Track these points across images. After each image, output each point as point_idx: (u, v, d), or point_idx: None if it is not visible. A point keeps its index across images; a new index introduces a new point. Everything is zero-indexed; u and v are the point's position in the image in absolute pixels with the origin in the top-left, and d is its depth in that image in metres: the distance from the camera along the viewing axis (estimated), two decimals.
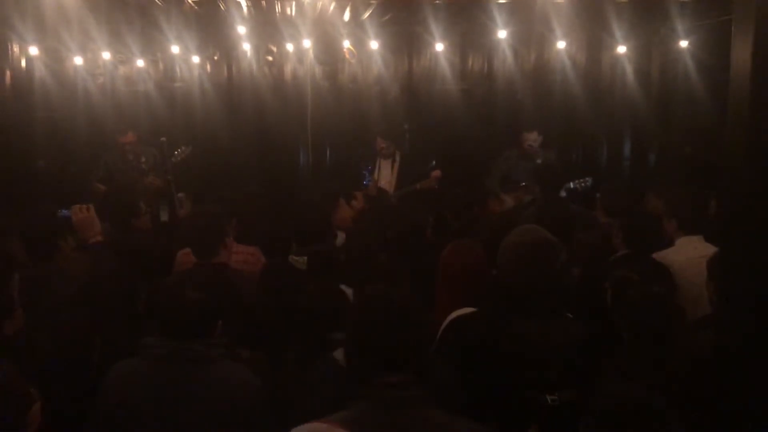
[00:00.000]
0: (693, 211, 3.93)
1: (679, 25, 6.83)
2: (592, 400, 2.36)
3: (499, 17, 6.93)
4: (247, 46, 7.66)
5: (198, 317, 2.41)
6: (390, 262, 2.83)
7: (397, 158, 6.74)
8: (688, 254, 3.69)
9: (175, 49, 7.45)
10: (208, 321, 2.45)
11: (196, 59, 7.69)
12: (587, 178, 5.52)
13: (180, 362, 2.33)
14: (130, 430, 2.34)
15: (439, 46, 7.50)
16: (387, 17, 7.25)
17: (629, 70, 7.44)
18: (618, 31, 7.05)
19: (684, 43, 7.00)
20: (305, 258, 3.46)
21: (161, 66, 7.88)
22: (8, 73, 7.33)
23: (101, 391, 2.40)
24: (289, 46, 7.60)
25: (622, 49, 7.32)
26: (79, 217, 3.39)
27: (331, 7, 6.96)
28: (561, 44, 7.37)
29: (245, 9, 7.01)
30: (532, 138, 6.55)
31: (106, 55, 7.50)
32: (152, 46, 7.55)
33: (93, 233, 3.40)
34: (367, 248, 3.36)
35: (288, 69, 7.91)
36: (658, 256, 3.86)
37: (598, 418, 2.04)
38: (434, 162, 7.20)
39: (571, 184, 5.73)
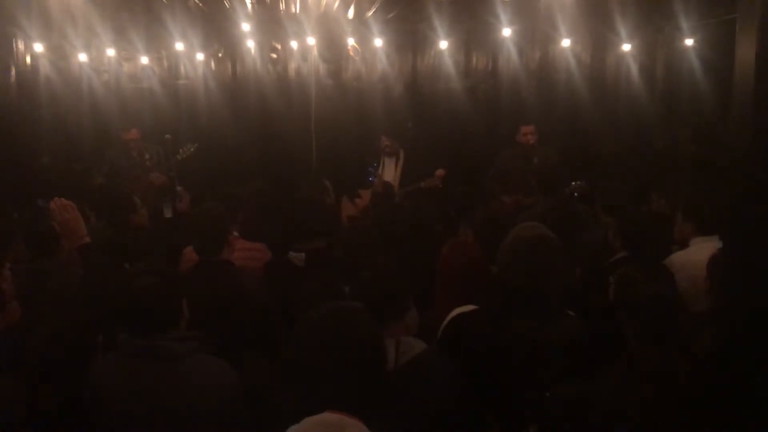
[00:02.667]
0: (712, 212, 3.89)
1: (684, 24, 6.79)
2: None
3: (503, 15, 6.92)
4: (251, 44, 7.67)
5: (152, 306, 2.34)
6: (387, 260, 2.82)
7: (401, 156, 6.74)
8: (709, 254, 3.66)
9: (179, 46, 7.47)
10: (167, 309, 2.39)
11: (200, 56, 7.71)
12: (579, 182, 5.50)
13: (149, 360, 2.30)
14: (111, 427, 2.34)
15: (444, 44, 7.49)
16: (391, 15, 7.26)
17: (634, 68, 7.41)
18: (623, 29, 7.03)
19: (689, 42, 6.97)
20: (303, 255, 3.46)
21: (166, 63, 7.89)
22: (13, 69, 7.33)
23: (85, 389, 2.40)
24: (294, 44, 7.60)
25: (626, 47, 7.30)
26: (64, 218, 3.04)
27: (335, 5, 6.96)
28: (566, 42, 7.35)
29: (249, 6, 7.02)
30: (529, 131, 6.54)
31: (111, 52, 7.53)
32: (157, 43, 7.57)
33: (79, 235, 3.05)
34: (363, 246, 3.35)
35: (292, 66, 7.91)
36: (676, 257, 3.83)
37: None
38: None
39: (566, 190, 5.69)
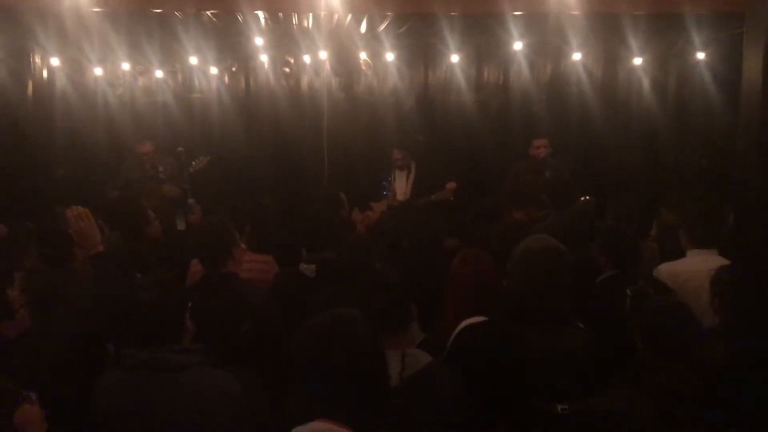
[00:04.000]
0: (705, 225, 3.91)
1: (696, 38, 6.79)
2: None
3: (514, 29, 6.93)
4: (264, 58, 7.75)
5: (154, 319, 2.36)
6: (385, 270, 2.84)
7: (413, 169, 6.76)
8: (697, 266, 3.67)
9: (193, 60, 7.55)
10: (169, 322, 2.40)
11: (214, 70, 7.79)
12: (587, 197, 5.51)
13: (150, 372, 2.30)
14: None
15: (455, 58, 7.53)
16: (403, 29, 7.29)
17: (645, 82, 7.42)
18: (634, 43, 7.04)
19: (701, 56, 6.97)
20: (314, 266, 3.49)
21: (180, 77, 7.98)
22: (30, 83, 7.45)
23: (91, 403, 2.40)
24: (306, 58, 7.66)
25: (638, 61, 7.30)
26: (79, 227, 3.06)
27: (348, 20, 7.01)
28: (577, 56, 7.37)
29: (263, 21, 7.09)
30: (541, 144, 6.56)
31: (126, 66, 7.62)
32: (171, 57, 7.66)
33: (93, 243, 3.08)
34: (361, 257, 3.37)
35: (305, 80, 7.98)
36: (667, 266, 3.83)
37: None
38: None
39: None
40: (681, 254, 4.13)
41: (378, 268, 3.20)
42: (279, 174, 7.73)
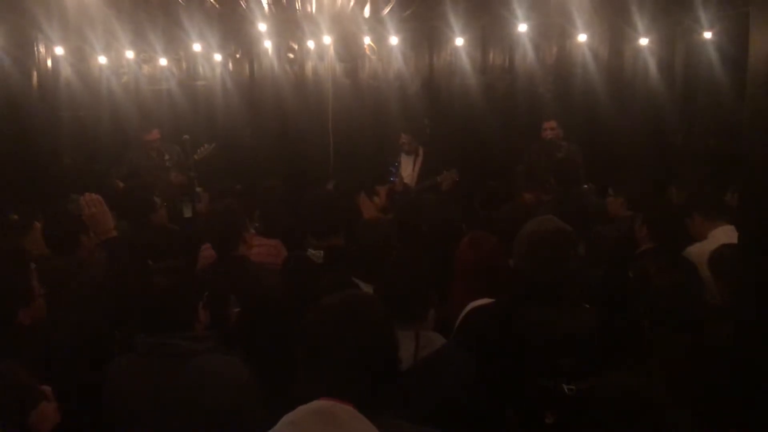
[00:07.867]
0: (714, 202, 3.92)
1: (703, 16, 6.72)
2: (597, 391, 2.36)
3: (519, 10, 6.89)
4: (268, 44, 7.73)
5: (166, 306, 2.37)
6: (402, 256, 2.83)
7: (420, 154, 6.74)
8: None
9: (197, 47, 7.54)
10: (182, 309, 2.41)
11: (218, 57, 7.78)
12: (588, 185, 5.54)
13: (161, 358, 2.31)
14: (123, 426, 2.37)
15: (460, 41, 7.48)
16: (407, 13, 7.27)
17: (652, 61, 7.34)
18: (640, 22, 6.97)
19: (708, 34, 6.90)
20: (321, 252, 3.49)
21: (184, 64, 7.98)
22: (35, 73, 7.46)
23: (102, 388, 2.42)
24: (310, 43, 7.64)
25: (644, 41, 7.23)
26: (91, 212, 3.08)
27: (351, 4, 6.98)
28: (582, 37, 7.30)
29: (266, 6, 7.07)
30: (549, 126, 6.54)
31: (130, 54, 7.62)
32: (175, 44, 7.65)
33: (106, 229, 3.10)
34: (378, 242, 3.37)
35: (309, 66, 7.96)
36: (694, 249, 3.83)
37: (600, 409, 2.05)
38: None
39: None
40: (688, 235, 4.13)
41: (397, 253, 3.19)
42: (284, 160, 7.73)
